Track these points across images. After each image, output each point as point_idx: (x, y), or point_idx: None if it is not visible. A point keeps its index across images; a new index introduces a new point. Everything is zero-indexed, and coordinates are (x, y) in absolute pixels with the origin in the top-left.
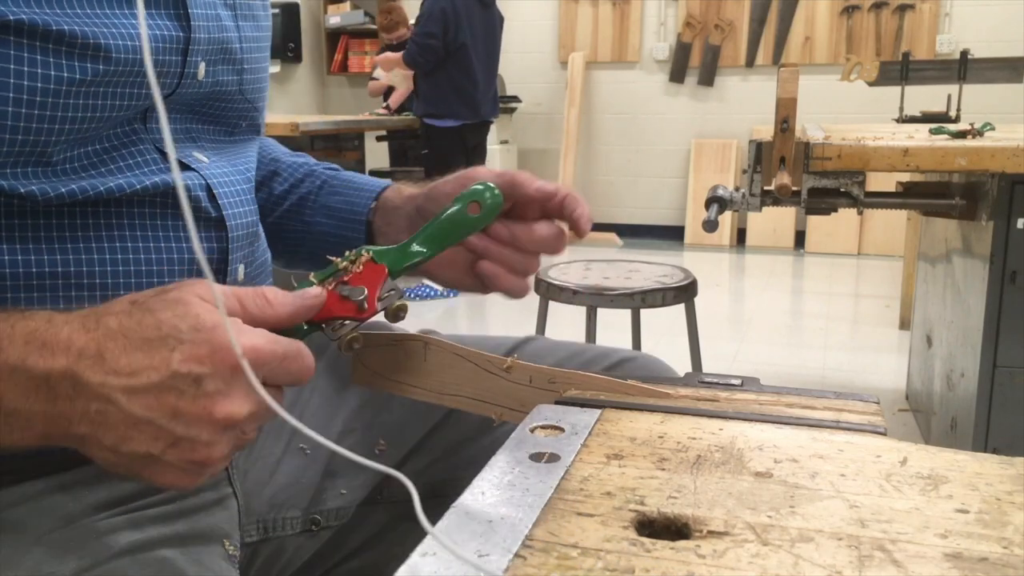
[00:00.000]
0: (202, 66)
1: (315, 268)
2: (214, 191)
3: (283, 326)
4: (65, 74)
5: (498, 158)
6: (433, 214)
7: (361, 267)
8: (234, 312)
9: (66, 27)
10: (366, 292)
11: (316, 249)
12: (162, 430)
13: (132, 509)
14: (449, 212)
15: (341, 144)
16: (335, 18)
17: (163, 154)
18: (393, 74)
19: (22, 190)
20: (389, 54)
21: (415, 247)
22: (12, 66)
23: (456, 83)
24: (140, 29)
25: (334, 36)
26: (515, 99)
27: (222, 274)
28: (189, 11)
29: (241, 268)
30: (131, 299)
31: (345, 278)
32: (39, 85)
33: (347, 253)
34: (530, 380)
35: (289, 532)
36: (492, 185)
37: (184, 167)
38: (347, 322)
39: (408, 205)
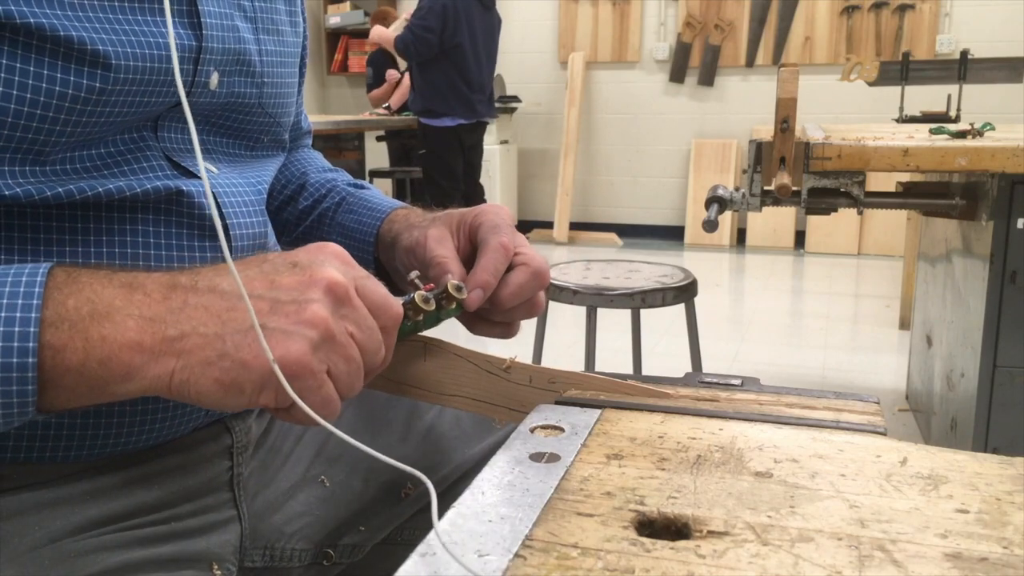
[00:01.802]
0: (215, 76)
1: None
2: (219, 200)
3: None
4: (72, 79)
5: (498, 158)
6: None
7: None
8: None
9: (74, 33)
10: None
11: None
12: (262, 299)
13: (122, 528)
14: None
15: (341, 144)
16: (335, 18)
17: (171, 162)
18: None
19: (7, 192)
20: (380, 28)
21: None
22: (17, 72)
23: (451, 82)
24: (169, 39)
25: (334, 36)
26: (515, 99)
27: None
28: (202, 20)
29: None
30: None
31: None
32: (43, 89)
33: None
34: (530, 380)
35: (296, 564)
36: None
37: (191, 176)
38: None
39: (400, 244)
